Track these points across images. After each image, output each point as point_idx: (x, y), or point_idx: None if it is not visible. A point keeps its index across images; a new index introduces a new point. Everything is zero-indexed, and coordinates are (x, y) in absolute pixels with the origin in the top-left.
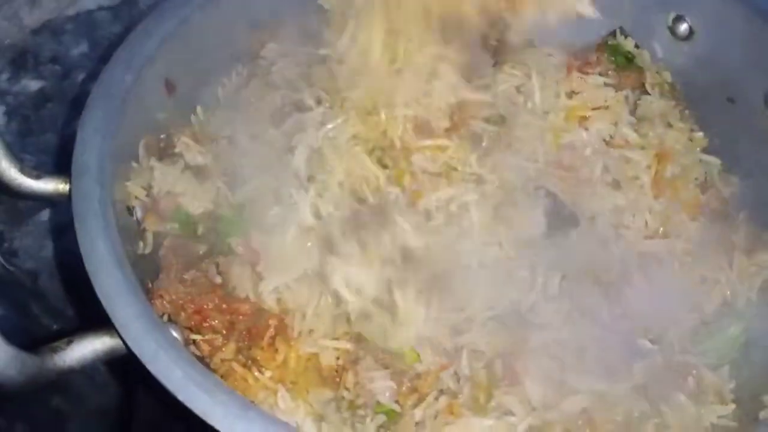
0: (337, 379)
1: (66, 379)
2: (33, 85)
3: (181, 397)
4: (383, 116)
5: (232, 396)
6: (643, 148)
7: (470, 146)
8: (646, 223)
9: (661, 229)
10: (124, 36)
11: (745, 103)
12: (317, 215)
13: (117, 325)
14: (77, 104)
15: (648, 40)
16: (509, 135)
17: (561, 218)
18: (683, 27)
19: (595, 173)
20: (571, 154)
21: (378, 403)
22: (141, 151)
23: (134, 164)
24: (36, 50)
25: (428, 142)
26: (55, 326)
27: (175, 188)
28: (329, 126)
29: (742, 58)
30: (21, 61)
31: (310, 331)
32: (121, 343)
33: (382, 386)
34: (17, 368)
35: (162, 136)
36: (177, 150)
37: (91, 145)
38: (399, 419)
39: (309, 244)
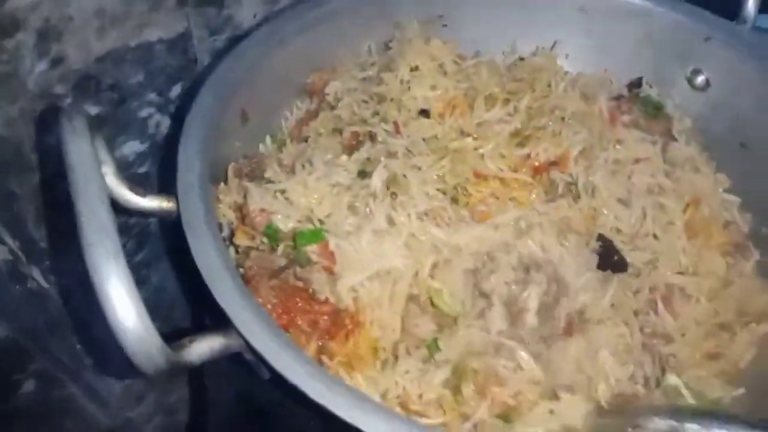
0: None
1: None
2: (92, 110)
3: (308, 392)
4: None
5: (348, 389)
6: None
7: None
8: (680, 263)
9: (691, 268)
10: (178, 68)
11: (756, 147)
12: (391, 222)
13: (239, 327)
14: (127, 129)
15: (667, 90)
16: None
17: (611, 262)
18: (700, 79)
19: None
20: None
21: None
22: (230, 174)
23: (222, 185)
24: (98, 77)
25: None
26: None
27: (270, 206)
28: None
29: (753, 106)
30: (84, 86)
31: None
32: (233, 342)
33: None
34: (164, 360)
35: (248, 163)
36: (267, 175)
37: (192, 167)
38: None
39: (383, 245)
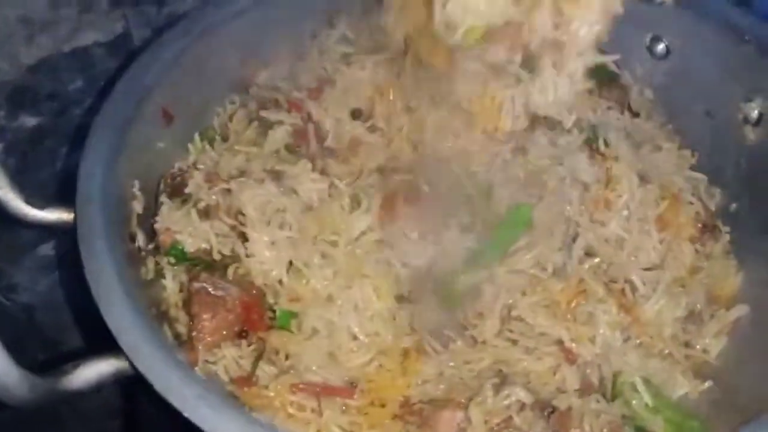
0: None
1: (58, 414)
2: (30, 121)
3: (189, 416)
4: None
5: (240, 414)
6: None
7: None
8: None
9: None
10: (119, 70)
11: (722, 116)
12: None
13: (125, 348)
14: (74, 139)
15: (626, 60)
16: None
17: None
18: (660, 47)
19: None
20: None
21: None
22: (161, 186)
23: (137, 192)
24: (33, 87)
25: None
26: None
27: (174, 225)
28: None
29: (717, 73)
30: (18, 98)
31: None
32: (126, 365)
33: None
34: (27, 389)
35: (177, 175)
36: (188, 190)
37: (94, 174)
38: None
39: None
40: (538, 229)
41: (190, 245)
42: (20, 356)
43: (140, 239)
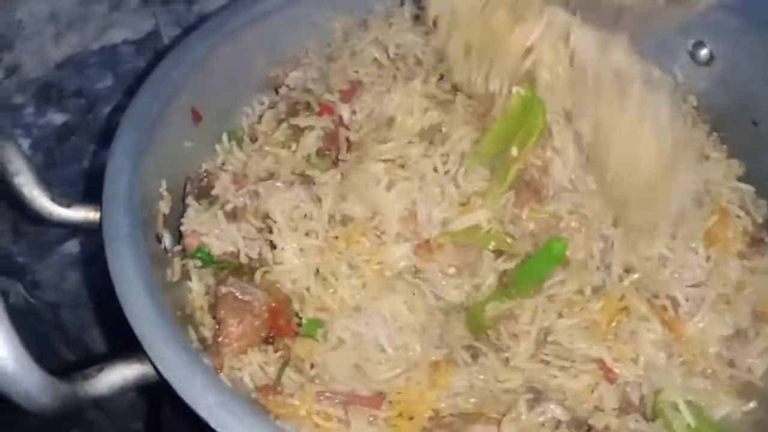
0: None
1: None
2: (57, 118)
3: (213, 424)
4: None
5: (264, 422)
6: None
7: None
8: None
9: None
10: (148, 69)
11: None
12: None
13: (148, 351)
14: (102, 136)
15: (668, 66)
16: None
17: None
18: (703, 52)
19: None
20: None
21: None
22: (188, 187)
23: (164, 192)
24: (60, 84)
25: None
26: (74, 358)
27: (200, 227)
28: None
29: (763, 80)
30: (45, 94)
31: None
32: (150, 369)
33: None
34: (50, 395)
35: (204, 176)
36: (215, 191)
37: (121, 173)
38: None
39: None
40: (573, 264)
41: (217, 248)
42: (45, 355)
43: (166, 240)
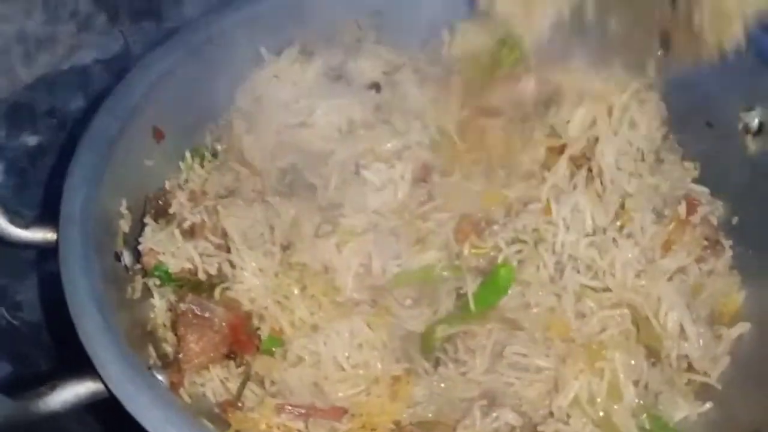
0: None
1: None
2: (30, 140)
3: None
4: None
5: None
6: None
7: None
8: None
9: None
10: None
11: (722, 126)
12: None
13: (98, 368)
14: (69, 157)
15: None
16: None
17: None
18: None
19: None
20: None
21: None
22: (146, 206)
23: (123, 211)
24: (32, 104)
25: None
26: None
27: (157, 246)
28: None
29: (716, 82)
30: (17, 116)
31: None
32: (103, 387)
33: None
34: None
35: (160, 195)
36: (172, 210)
37: (77, 193)
38: None
39: None
40: (527, 284)
41: (174, 265)
42: (27, 375)
43: (126, 258)
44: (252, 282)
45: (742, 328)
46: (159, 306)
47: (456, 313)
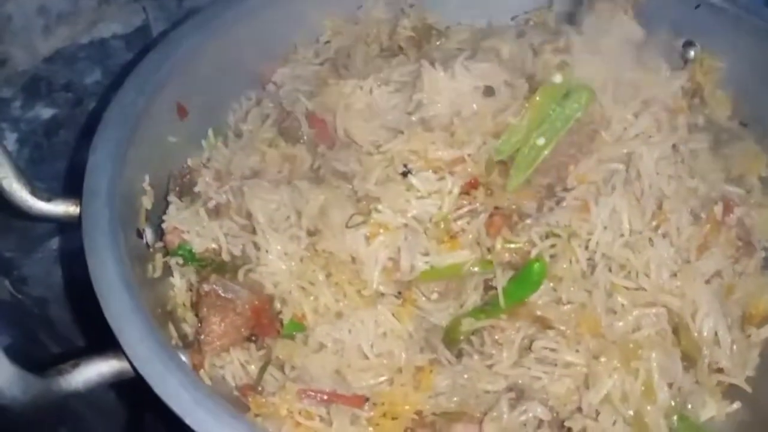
0: None
1: (73, 408)
2: (46, 112)
3: (188, 420)
4: None
5: (239, 420)
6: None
7: None
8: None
9: None
10: (135, 63)
11: (756, 126)
12: None
13: (125, 347)
14: (89, 131)
15: None
16: None
17: None
18: (692, 53)
19: None
20: None
21: None
22: (170, 184)
23: (146, 187)
24: (49, 78)
25: None
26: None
27: (182, 225)
28: None
29: (752, 79)
30: (34, 88)
31: None
32: (127, 366)
33: None
34: (22, 388)
35: (186, 173)
36: (197, 189)
37: (102, 168)
38: None
39: None
40: (559, 280)
41: (199, 245)
42: (32, 350)
43: (148, 236)
44: (276, 265)
45: None
46: (179, 285)
47: (483, 307)
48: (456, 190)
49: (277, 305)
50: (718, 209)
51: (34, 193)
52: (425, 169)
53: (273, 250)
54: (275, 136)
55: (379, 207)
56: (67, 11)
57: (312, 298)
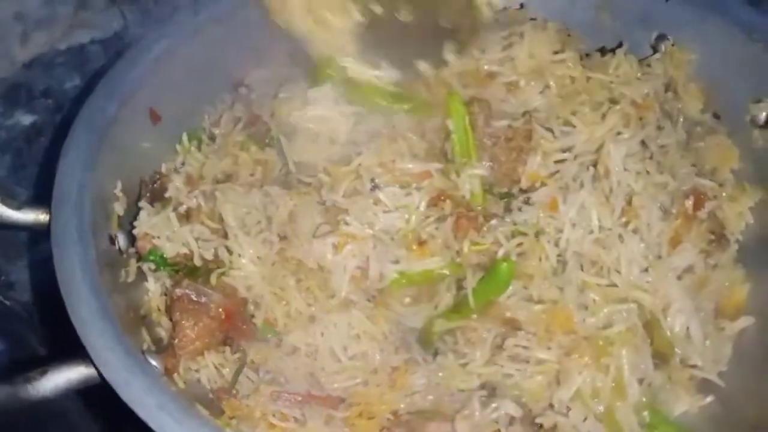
0: None
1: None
2: (26, 119)
3: (152, 425)
4: None
5: (203, 425)
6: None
7: None
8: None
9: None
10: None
11: (729, 118)
12: None
13: (90, 352)
14: (63, 137)
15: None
16: None
17: None
18: (664, 45)
19: None
20: None
21: None
22: (142, 190)
23: (118, 193)
24: (28, 85)
25: None
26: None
27: (152, 230)
28: None
29: (724, 73)
30: (13, 95)
31: None
32: (95, 372)
33: None
34: None
35: (156, 178)
36: (168, 194)
37: (71, 174)
38: None
39: None
40: (530, 278)
41: (170, 250)
42: (22, 355)
43: (121, 241)
44: (249, 269)
45: (746, 321)
46: (153, 290)
47: (454, 308)
48: (423, 205)
49: (251, 308)
50: (688, 203)
51: (3, 201)
52: (392, 183)
53: (246, 254)
54: (246, 140)
55: (347, 219)
56: (44, 17)
57: (284, 303)
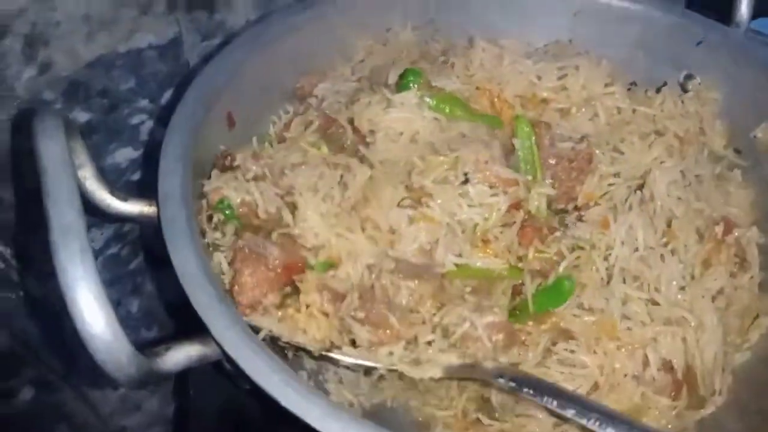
0: None
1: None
2: (82, 116)
3: (282, 401)
4: None
5: (323, 398)
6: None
7: None
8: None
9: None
10: (169, 74)
11: (750, 153)
12: None
13: (215, 335)
14: (119, 136)
15: None
16: None
17: None
18: (691, 84)
19: None
20: None
21: None
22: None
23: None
24: (87, 83)
25: None
26: None
27: (221, 183)
28: None
29: (748, 111)
30: (73, 92)
31: None
32: (210, 351)
33: None
34: (136, 367)
35: (227, 154)
36: (237, 163)
37: (173, 172)
38: None
39: None
40: (583, 287)
41: (235, 198)
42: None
43: (209, 235)
44: (315, 220)
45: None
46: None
47: (512, 311)
48: (504, 208)
49: (311, 261)
50: (719, 229)
51: (113, 193)
52: (482, 182)
53: (311, 207)
54: (318, 140)
55: (431, 203)
56: (109, 19)
57: (349, 242)
